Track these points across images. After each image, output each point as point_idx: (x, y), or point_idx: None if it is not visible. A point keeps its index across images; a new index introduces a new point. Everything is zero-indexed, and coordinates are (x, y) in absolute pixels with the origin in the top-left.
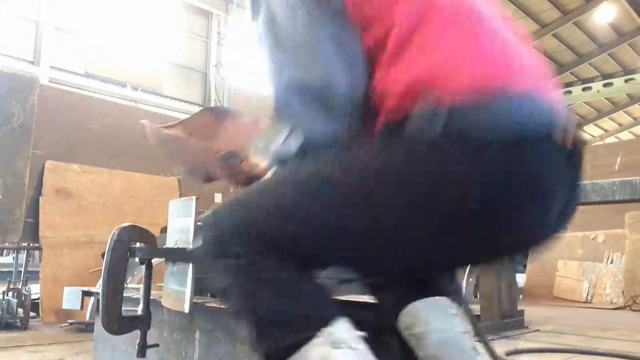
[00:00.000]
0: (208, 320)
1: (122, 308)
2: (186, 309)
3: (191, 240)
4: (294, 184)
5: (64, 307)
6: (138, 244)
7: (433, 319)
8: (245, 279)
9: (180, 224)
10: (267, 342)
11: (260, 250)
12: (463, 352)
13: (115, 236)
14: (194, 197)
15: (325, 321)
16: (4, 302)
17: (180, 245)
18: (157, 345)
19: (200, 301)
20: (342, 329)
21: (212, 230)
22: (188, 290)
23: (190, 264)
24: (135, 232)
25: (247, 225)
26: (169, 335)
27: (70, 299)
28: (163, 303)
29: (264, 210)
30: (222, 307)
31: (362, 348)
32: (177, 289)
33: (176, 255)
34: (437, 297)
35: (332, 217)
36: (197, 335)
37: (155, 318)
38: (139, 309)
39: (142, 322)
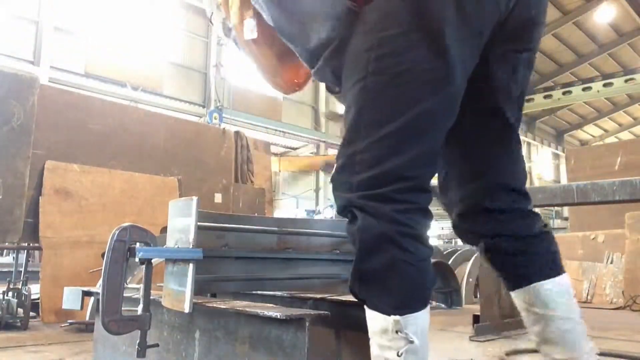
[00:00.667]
0: (208, 320)
1: (123, 308)
2: (186, 309)
3: (192, 241)
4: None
5: (63, 307)
6: (138, 244)
7: (557, 305)
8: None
9: (180, 224)
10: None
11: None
12: (582, 343)
13: (115, 236)
14: (194, 198)
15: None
16: (4, 302)
17: (181, 246)
18: (157, 345)
19: (200, 301)
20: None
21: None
22: (188, 290)
23: (191, 264)
24: (135, 232)
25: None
26: (169, 335)
27: (70, 299)
28: (163, 303)
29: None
30: (222, 307)
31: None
32: (177, 289)
33: (177, 256)
34: (562, 275)
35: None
36: (197, 335)
37: (155, 318)
38: (139, 309)
39: (142, 322)
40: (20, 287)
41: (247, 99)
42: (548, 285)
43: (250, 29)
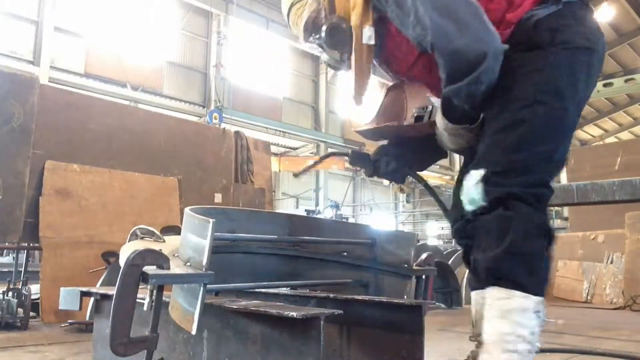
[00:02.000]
0: (217, 319)
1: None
2: (193, 331)
3: (205, 264)
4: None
5: (60, 307)
6: (151, 270)
7: None
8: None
9: (194, 242)
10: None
11: None
12: None
13: (130, 261)
14: (211, 221)
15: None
16: (4, 302)
17: (193, 265)
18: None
19: (209, 300)
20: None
21: None
22: (197, 312)
23: (202, 287)
24: (149, 256)
25: None
26: (175, 334)
27: (67, 299)
28: (170, 313)
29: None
30: (233, 306)
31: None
32: (185, 308)
33: (189, 281)
34: None
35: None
36: (205, 334)
37: (160, 318)
38: (149, 329)
39: (150, 343)
40: (20, 287)
41: (247, 99)
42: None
43: (368, 35)
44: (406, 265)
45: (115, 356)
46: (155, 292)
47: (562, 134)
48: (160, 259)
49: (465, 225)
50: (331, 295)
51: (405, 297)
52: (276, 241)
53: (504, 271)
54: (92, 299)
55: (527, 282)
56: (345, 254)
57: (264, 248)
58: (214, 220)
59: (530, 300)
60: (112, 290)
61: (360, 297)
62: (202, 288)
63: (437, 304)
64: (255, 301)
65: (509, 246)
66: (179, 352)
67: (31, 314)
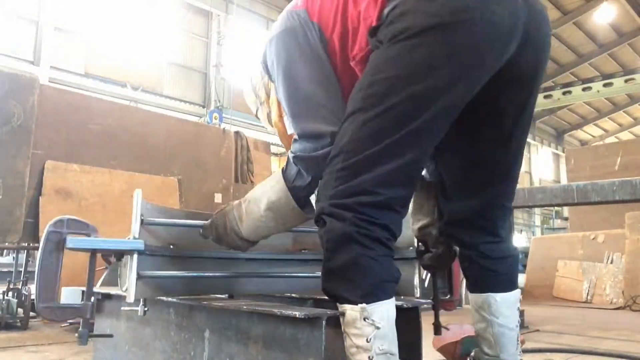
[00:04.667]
0: (218, 319)
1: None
2: (129, 299)
3: (134, 233)
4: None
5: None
6: (70, 235)
7: (500, 314)
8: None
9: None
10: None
11: None
12: (509, 346)
13: (50, 227)
14: (137, 190)
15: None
16: (4, 302)
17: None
18: (110, 335)
19: (210, 301)
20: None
21: None
22: (132, 282)
23: (134, 256)
24: (72, 224)
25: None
26: (175, 334)
27: (69, 298)
28: (119, 284)
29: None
30: (235, 306)
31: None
32: (125, 280)
33: (110, 246)
34: (513, 292)
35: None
36: (206, 334)
37: (160, 317)
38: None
39: (83, 311)
40: (20, 287)
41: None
42: (499, 298)
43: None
44: (411, 248)
45: (116, 356)
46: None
47: (381, 136)
48: (87, 228)
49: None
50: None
51: (416, 283)
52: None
53: (327, 289)
54: (92, 298)
55: (347, 294)
56: None
57: (269, 253)
58: (140, 190)
59: (355, 310)
60: (113, 290)
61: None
62: (135, 256)
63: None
64: (256, 301)
65: (325, 263)
66: (179, 352)
67: (31, 314)
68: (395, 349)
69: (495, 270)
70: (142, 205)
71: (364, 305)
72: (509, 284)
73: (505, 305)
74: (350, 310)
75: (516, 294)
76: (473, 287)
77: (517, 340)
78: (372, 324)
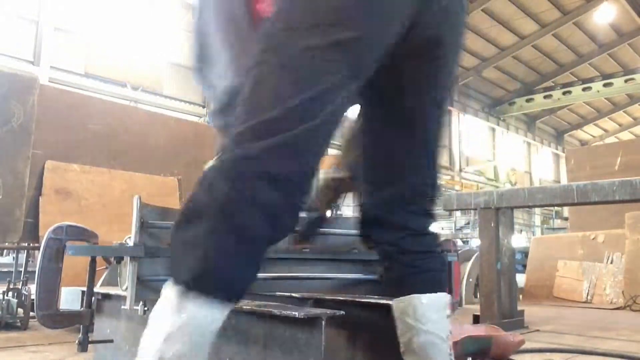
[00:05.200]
0: None
1: (123, 307)
2: (126, 306)
3: (134, 239)
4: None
5: (61, 307)
6: (69, 242)
7: (427, 320)
8: None
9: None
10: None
11: None
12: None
13: (50, 234)
14: (136, 196)
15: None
16: (4, 302)
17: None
18: (110, 341)
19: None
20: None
21: None
22: (131, 288)
23: (133, 262)
24: (72, 231)
25: None
26: None
27: (69, 299)
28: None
29: None
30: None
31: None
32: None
33: (109, 254)
34: (440, 294)
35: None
36: None
37: None
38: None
39: (83, 318)
40: (20, 287)
41: None
42: (425, 300)
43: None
44: None
45: (116, 356)
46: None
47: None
48: (85, 234)
49: None
50: (327, 297)
51: None
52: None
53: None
54: (92, 298)
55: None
56: (355, 250)
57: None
58: (139, 195)
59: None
60: (113, 290)
61: (357, 298)
62: (133, 263)
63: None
64: (256, 301)
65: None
66: None
67: (31, 314)
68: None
69: (416, 266)
70: (142, 209)
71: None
72: (436, 284)
73: (433, 308)
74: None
75: (444, 297)
76: (396, 291)
77: (450, 355)
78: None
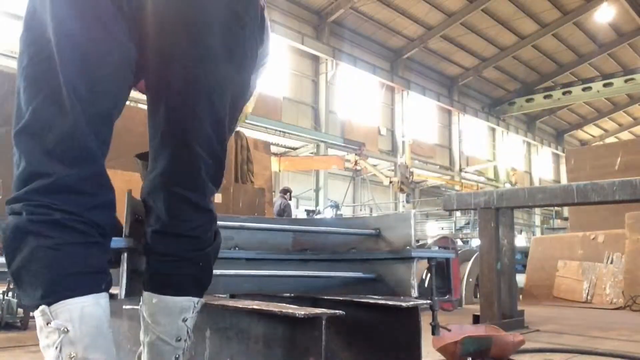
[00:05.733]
0: (219, 318)
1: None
2: (120, 296)
3: (125, 231)
4: None
5: None
6: None
7: (158, 323)
8: None
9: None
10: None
11: None
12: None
13: None
14: (128, 190)
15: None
16: (4, 302)
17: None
18: None
19: (211, 299)
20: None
21: None
22: (121, 278)
23: (125, 254)
24: None
25: None
26: None
27: None
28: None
29: None
30: (235, 305)
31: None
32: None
33: None
34: (175, 297)
35: None
36: (207, 334)
37: None
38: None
39: None
40: None
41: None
42: (156, 299)
43: None
44: (408, 247)
45: (118, 356)
46: None
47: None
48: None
49: None
50: (326, 297)
51: (413, 283)
52: (281, 245)
53: (20, 301)
54: None
55: (26, 300)
56: (354, 250)
57: (268, 253)
58: (129, 189)
59: (37, 316)
60: (114, 289)
61: (356, 298)
62: (125, 255)
63: (443, 298)
64: (256, 301)
65: (8, 268)
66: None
67: (31, 313)
68: (98, 354)
69: (155, 268)
70: (134, 203)
71: (43, 307)
72: (176, 287)
73: (164, 311)
74: (37, 318)
75: (181, 302)
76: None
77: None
78: (57, 329)
